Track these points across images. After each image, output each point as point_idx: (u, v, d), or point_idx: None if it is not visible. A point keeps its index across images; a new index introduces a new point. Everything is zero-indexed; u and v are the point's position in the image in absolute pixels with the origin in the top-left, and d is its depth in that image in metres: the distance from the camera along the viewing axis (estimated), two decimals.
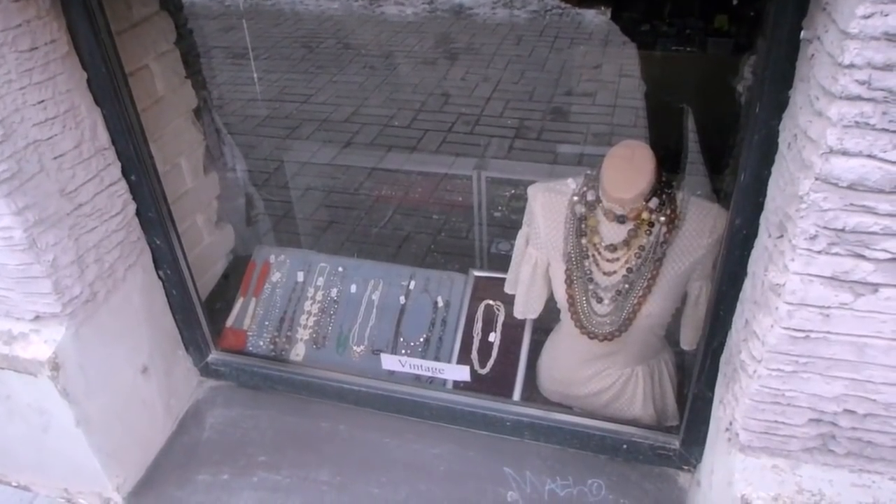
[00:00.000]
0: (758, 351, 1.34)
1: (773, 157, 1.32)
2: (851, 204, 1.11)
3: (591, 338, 1.82)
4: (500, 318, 2.27)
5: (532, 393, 2.16)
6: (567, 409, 2.09)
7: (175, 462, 2.15)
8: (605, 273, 1.78)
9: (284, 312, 2.40)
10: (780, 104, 1.27)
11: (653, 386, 1.97)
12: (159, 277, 2.11)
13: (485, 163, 3.62)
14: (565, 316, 1.89)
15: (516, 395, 2.13)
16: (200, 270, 2.35)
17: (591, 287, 1.81)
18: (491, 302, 2.30)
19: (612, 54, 5.39)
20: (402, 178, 3.83)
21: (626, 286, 1.76)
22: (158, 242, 2.03)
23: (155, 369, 2.12)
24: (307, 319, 2.38)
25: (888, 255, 1.14)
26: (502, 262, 2.27)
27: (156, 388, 2.14)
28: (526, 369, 2.17)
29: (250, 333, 2.38)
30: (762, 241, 1.38)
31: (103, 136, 1.80)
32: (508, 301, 2.14)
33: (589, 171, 1.82)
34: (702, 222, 1.72)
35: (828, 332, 1.25)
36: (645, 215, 1.71)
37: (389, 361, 2.19)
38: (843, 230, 1.14)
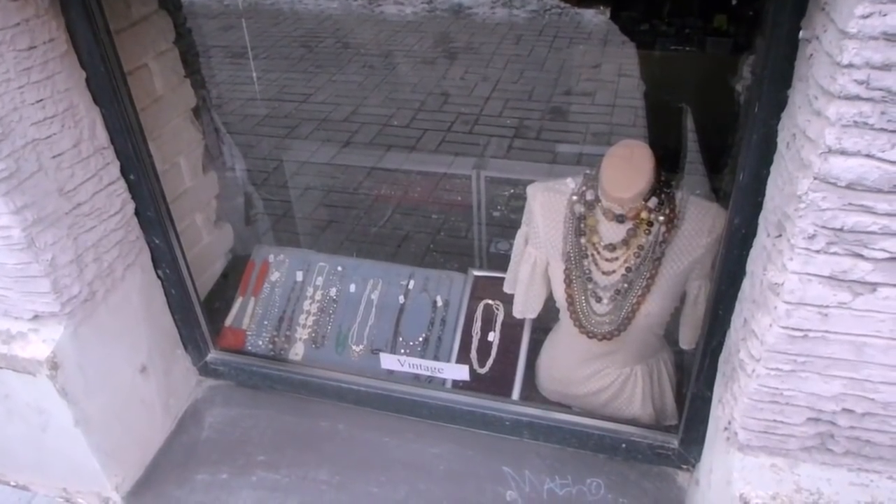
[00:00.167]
0: (756, 350, 1.34)
1: (772, 157, 1.32)
2: (850, 203, 1.11)
3: (590, 337, 1.82)
4: (500, 318, 2.27)
5: (531, 392, 2.16)
6: (566, 408, 2.09)
7: (174, 461, 2.15)
8: (604, 272, 1.78)
9: (283, 312, 2.40)
10: (778, 104, 1.27)
11: (652, 385, 1.97)
12: (158, 277, 2.10)
13: (484, 162, 3.63)
14: (564, 315, 1.89)
15: (515, 395, 2.14)
16: (199, 270, 2.35)
17: (590, 286, 1.81)
18: (490, 301, 2.30)
19: (611, 54, 5.40)
20: (402, 177, 3.84)
21: (625, 285, 1.76)
22: (157, 242, 2.03)
23: (154, 369, 2.12)
24: (306, 319, 2.38)
25: (886, 255, 1.14)
26: (501, 261, 2.26)
27: (155, 387, 2.14)
28: (525, 369, 2.17)
29: (249, 333, 2.38)
30: (761, 240, 1.38)
31: (102, 135, 1.80)
32: (507, 300, 2.14)
33: (588, 171, 1.82)
34: (701, 222, 1.72)
35: (826, 332, 1.25)
36: (644, 215, 1.71)
37: (388, 361, 2.19)
38: (841, 230, 1.14)
